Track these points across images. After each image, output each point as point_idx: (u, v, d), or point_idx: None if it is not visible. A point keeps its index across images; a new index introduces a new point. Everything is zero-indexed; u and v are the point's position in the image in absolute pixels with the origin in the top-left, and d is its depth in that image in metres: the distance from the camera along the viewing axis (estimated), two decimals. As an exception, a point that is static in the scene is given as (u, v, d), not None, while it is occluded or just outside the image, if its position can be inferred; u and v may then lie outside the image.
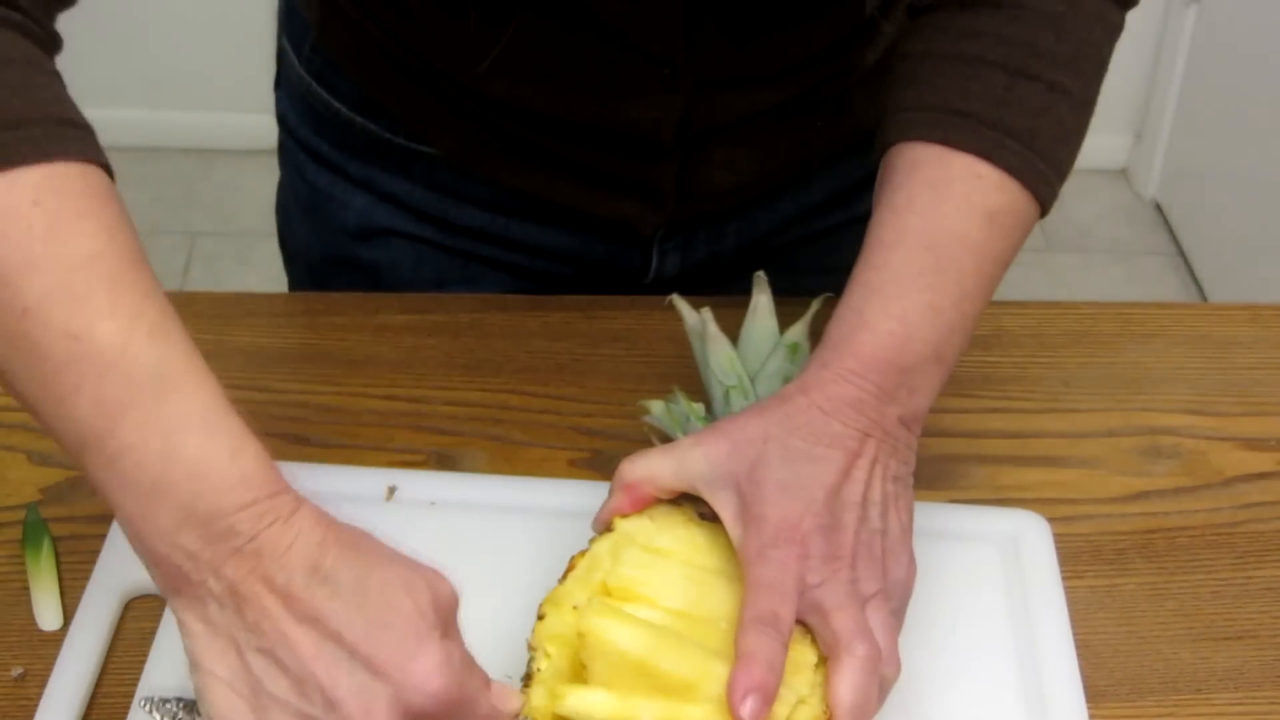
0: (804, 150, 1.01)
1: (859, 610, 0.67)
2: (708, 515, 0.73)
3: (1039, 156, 0.76)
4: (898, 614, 0.70)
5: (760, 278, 0.84)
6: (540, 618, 0.69)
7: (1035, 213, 0.77)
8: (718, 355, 0.81)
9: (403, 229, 1.02)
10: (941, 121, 0.76)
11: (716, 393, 0.81)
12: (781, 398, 0.72)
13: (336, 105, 1.00)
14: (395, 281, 1.04)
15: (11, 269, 0.59)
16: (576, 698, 0.65)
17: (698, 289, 1.05)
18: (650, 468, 0.71)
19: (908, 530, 0.72)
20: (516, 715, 0.64)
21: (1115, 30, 0.81)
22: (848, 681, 0.65)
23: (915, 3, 0.81)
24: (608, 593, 0.69)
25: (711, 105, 0.90)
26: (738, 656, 0.64)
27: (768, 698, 0.63)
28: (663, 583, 0.69)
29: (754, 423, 0.71)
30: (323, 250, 1.07)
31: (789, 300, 0.84)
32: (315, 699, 0.57)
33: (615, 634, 0.65)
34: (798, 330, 0.82)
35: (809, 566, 0.67)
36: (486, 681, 0.63)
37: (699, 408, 0.80)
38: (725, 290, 0.89)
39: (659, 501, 0.73)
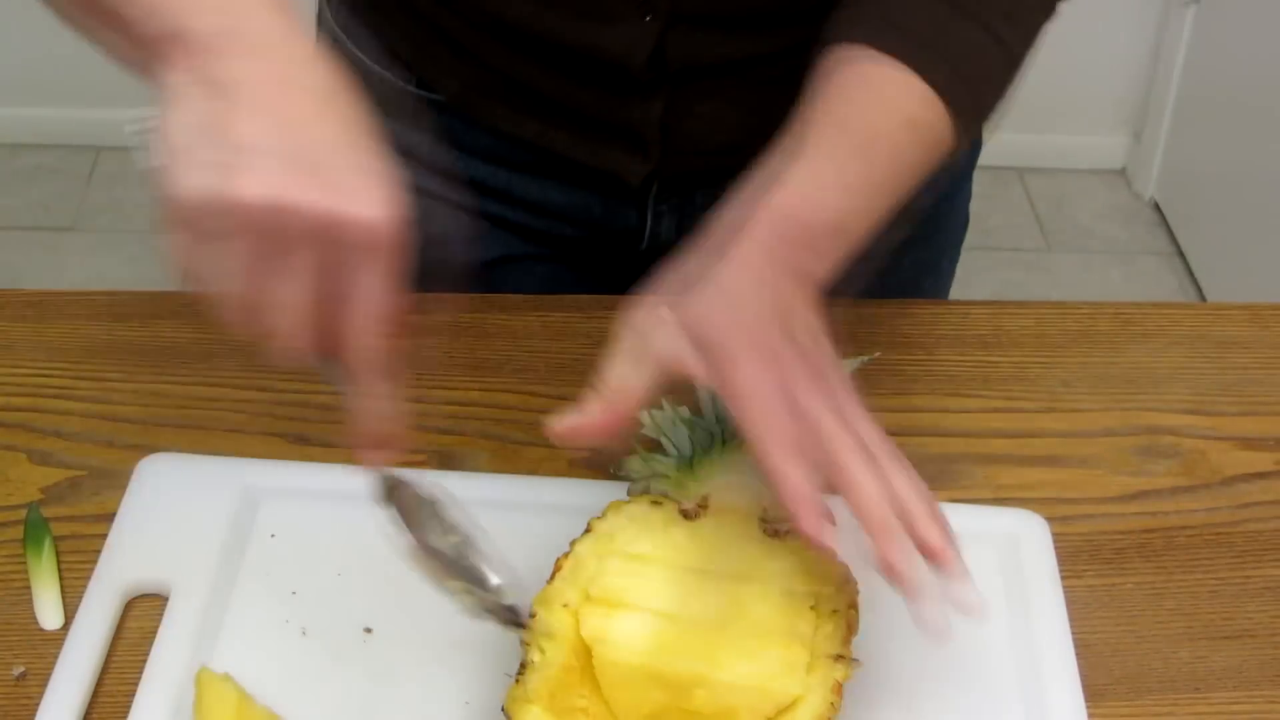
0: (793, 113, 1.01)
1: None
2: (689, 512, 0.74)
3: (965, 86, 0.78)
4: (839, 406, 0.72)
5: None
6: (532, 615, 0.71)
7: (951, 139, 0.79)
8: None
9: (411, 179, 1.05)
10: (883, 29, 0.78)
11: (704, 391, 0.82)
12: (693, 250, 0.73)
13: (358, 55, 1.03)
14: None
15: None
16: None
17: None
18: (621, 379, 0.72)
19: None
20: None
21: (1050, 7, 0.84)
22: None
23: None
24: (593, 602, 0.71)
25: (688, 41, 0.92)
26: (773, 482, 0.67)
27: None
28: (646, 588, 0.71)
29: (674, 277, 0.73)
30: None
31: None
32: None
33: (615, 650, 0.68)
34: None
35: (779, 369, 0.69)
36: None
37: (684, 409, 0.81)
38: None
39: (637, 501, 0.74)
